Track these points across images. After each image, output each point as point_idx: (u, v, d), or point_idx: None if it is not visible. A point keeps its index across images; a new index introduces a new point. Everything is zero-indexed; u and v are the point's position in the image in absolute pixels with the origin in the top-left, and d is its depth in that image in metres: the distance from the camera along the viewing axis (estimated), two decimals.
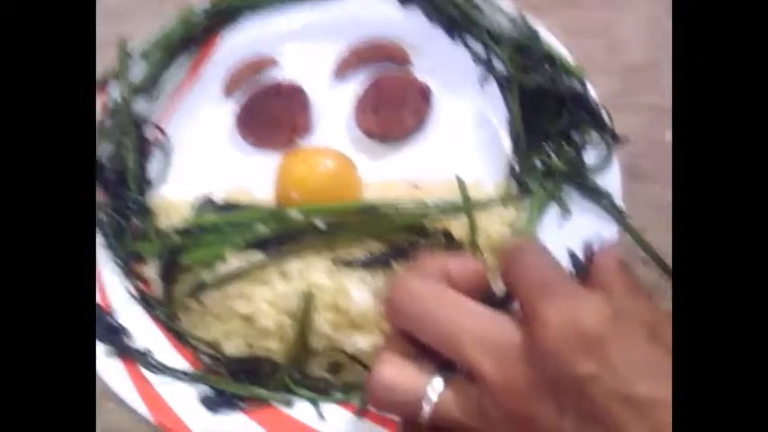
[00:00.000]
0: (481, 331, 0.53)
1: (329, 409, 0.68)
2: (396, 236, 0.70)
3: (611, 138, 0.73)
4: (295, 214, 0.70)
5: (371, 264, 0.69)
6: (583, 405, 0.48)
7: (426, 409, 0.52)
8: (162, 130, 0.82)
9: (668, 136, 0.77)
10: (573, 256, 0.68)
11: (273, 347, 0.69)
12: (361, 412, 0.67)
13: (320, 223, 0.69)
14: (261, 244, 0.70)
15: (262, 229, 0.70)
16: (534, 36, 0.79)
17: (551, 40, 0.79)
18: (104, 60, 0.84)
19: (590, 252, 0.65)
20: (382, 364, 0.54)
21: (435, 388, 0.53)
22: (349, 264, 0.69)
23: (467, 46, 0.81)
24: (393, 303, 0.56)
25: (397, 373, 0.54)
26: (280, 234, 0.70)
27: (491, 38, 0.80)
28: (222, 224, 0.72)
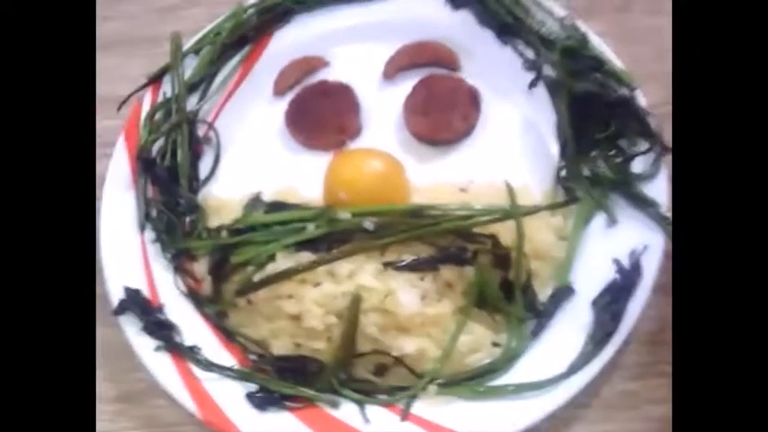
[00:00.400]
0: None
1: (374, 411, 0.68)
2: (443, 239, 0.70)
3: (660, 146, 0.72)
4: (344, 215, 0.70)
5: (419, 267, 0.70)
6: None
7: None
8: (213, 128, 0.83)
9: None
10: (618, 263, 0.69)
11: (320, 348, 0.70)
12: (406, 415, 0.68)
13: (369, 224, 0.70)
14: (310, 244, 0.71)
15: (311, 230, 0.71)
16: (584, 41, 0.79)
17: (601, 45, 0.79)
18: (157, 56, 0.85)
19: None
20: None
21: None
22: (397, 266, 0.69)
23: (516, 50, 0.82)
24: None
25: None
26: (329, 235, 0.71)
27: (541, 42, 0.80)
28: (272, 223, 0.73)
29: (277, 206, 0.75)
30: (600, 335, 0.67)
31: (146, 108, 0.83)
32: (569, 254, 0.72)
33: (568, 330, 0.69)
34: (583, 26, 0.80)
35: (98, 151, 0.80)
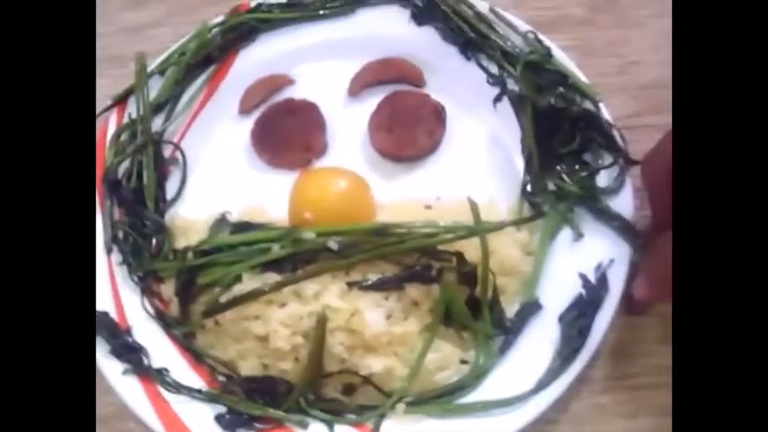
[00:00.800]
0: None
1: (343, 430, 0.68)
2: (408, 258, 0.69)
3: (624, 160, 0.73)
4: (309, 235, 0.70)
5: (384, 286, 0.69)
6: None
7: None
8: (179, 148, 0.83)
9: None
10: (584, 278, 0.69)
11: (288, 368, 0.70)
12: None
13: (333, 244, 0.69)
14: (276, 265, 0.70)
15: (276, 250, 0.70)
16: (547, 55, 0.79)
17: (565, 59, 0.79)
18: (122, 77, 0.85)
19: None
20: None
21: None
22: (362, 286, 0.69)
23: (481, 65, 0.82)
24: None
25: None
26: (294, 255, 0.70)
27: (505, 57, 0.81)
28: (238, 244, 0.72)
29: (243, 227, 0.75)
30: (567, 350, 0.67)
31: (111, 129, 0.83)
32: (536, 269, 0.72)
33: (536, 346, 0.69)
34: (546, 40, 0.80)
35: None
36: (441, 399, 0.68)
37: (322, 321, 0.67)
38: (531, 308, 0.70)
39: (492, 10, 0.83)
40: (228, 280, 0.71)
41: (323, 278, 0.70)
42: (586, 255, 0.71)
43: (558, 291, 0.70)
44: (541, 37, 0.80)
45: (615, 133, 0.74)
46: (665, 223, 0.56)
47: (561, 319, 0.69)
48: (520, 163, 0.78)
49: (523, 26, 0.81)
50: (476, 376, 0.69)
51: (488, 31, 0.82)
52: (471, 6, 0.83)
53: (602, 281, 0.69)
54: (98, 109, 0.84)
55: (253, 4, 0.88)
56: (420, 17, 0.85)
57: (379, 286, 0.69)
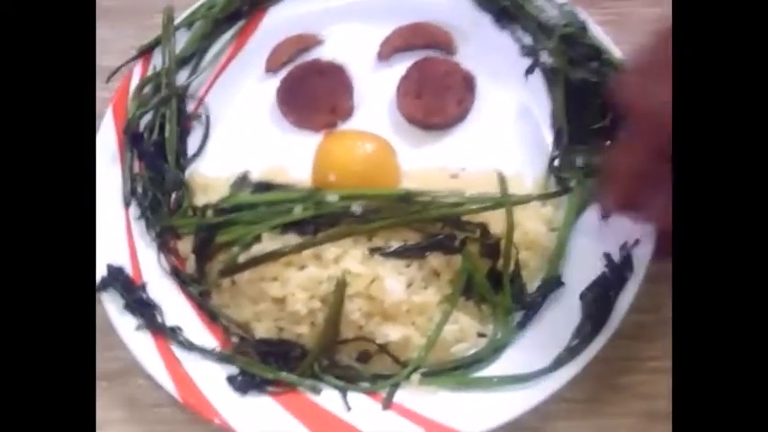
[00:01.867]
0: None
1: (356, 398, 0.68)
2: (432, 226, 0.69)
3: None
4: (331, 198, 0.70)
5: (406, 254, 0.69)
6: None
7: None
8: (203, 104, 0.82)
9: None
10: (608, 257, 0.68)
11: (304, 333, 0.69)
12: (388, 404, 0.67)
13: (357, 208, 0.69)
14: (297, 226, 0.70)
15: (298, 211, 0.70)
16: (583, 29, 0.78)
17: (600, 34, 0.78)
18: (147, 28, 0.84)
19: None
20: None
21: None
22: (384, 253, 0.69)
23: (514, 35, 0.81)
24: None
25: None
26: (316, 217, 0.70)
27: (539, 28, 0.79)
28: (258, 204, 0.72)
29: (264, 186, 0.74)
30: (587, 329, 0.67)
31: (135, 81, 0.82)
32: (559, 245, 0.71)
33: (556, 323, 0.68)
34: (582, 14, 0.78)
35: None
36: (456, 371, 0.68)
37: (341, 286, 0.67)
38: (552, 284, 0.70)
39: None
40: (248, 239, 0.70)
41: (344, 242, 0.69)
42: (611, 233, 0.70)
43: (581, 268, 0.70)
44: (577, 10, 0.79)
45: None
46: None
47: (582, 297, 0.68)
48: (549, 137, 0.77)
49: None
50: (493, 350, 0.68)
51: (522, 1, 0.80)
52: None
53: (627, 261, 0.69)
54: (121, 61, 0.83)
55: None
56: None
57: (401, 254, 0.69)
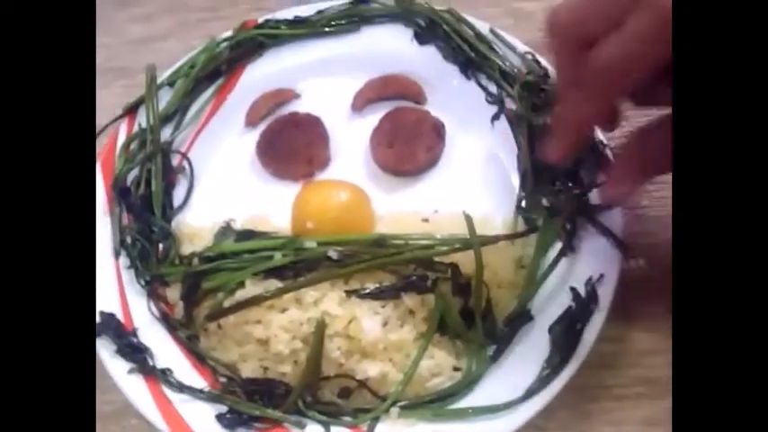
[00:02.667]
0: None
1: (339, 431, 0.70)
2: (405, 268, 0.72)
3: None
4: (310, 244, 0.73)
5: (382, 295, 0.72)
6: None
7: None
8: (187, 158, 0.86)
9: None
10: (575, 291, 0.71)
11: (287, 371, 0.72)
12: None
13: (333, 254, 0.72)
14: (278, 272, 0.73)
15: (278, 258, 0.73)
16: (545, 76, 0.82)
17: None
18: (131, 87, 0.88)
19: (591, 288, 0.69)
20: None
21: None
22: (360, 294, 0.72)
23: (480, 85, 0.85)
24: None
25: None
26: (295, 263, 0.73)
27: (503, 77, 0.83)
28: (241, 252, 0.75)
29: (246, 235, 0.77)
30: (556, 360, 0.69)
31: (122, 138, 0.85)
32: (528, 282, 0.74)
33: (526, 355, 0.71)
34: (544, 61, 0.82)
35: None
36: (433, 404, 0.71)
37: (321, 327, 0.70)
38: (522, 319, 0.73)
39: (492, 31, 0.85)
40: (232, 285, 0.73)
41: (323, 286, 0.72)
42: (577, 269, 0.73)
43: (549, 303, 0.73)
44: (539, 58, 0.83)
45: (608, 153, 0.76)
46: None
47: (551, 330, 0.71)
48: (515, 179, 0.80)
49: (522, 47, 0.84)
50: (468, 383, 0.71)
51: (488, 51, 0.84)
52: (472, 27, 0.86)
53: (592, 294, 0.71)
54: (108, 118, 0.87)
55: (261, 20, 0.91)
56: (422, 36, 0.88)
57: (377, 295, 0.72)
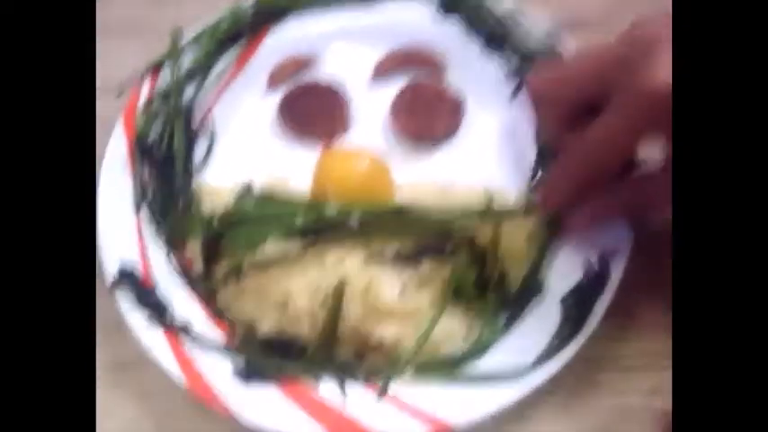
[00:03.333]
0: None
1: (354, 389, 0.72)
2: (424, 237, 0.74)
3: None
4: (331, 210, 0.75)
5: (400, 261, 0.74)
6: None
7: None
8: (208, 117, 0.87)
9: None
10: (587, 264, 0.73)
11: (304, 330, 0.74)
12: (383, 395, 0.72)
13: (354, 221, 0.74)
14: (299, 234, 0.75)
15: (300, 221, 0.75)
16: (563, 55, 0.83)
17: None
18: (152, 42, 0.89)
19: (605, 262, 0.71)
20: None
21: None
22: (380, 259, 0.74)
23: (501, 60, 0.86)
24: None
25: None
26: (317, 227, 0.75)
27: (525, 53, 0.85)
28: (264, 213, 0.77)
29: (268, 197, 0.79)
30: (566, 331, 0.72)
31: (144, 95, 0.86)
32: (540, 254, 0.76)
33: (537, 325, 0.73)
34: (565, 39, 0.84)
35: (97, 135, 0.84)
36: (446, 367, 0.73)
37: (339, 289, 0.72)
38: (534, 289, 0.75)
39: (515, 7, 0.87)
40: (252, 245, 0.75)
41: (342, 250, 0.74)
42: (590, 243, 0.75)
43: (562, 275, 0.75)
44: (561, 36, 0.84)
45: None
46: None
47: (563, 301, 0.73)
48: (531, 155, 0.82)
49: (544, 25, 0.85)
50: (479, 349, 0.73)
51: (511, 26, 0.86)
52: (496, 2, 0.87)
53: (604, 268, 0.74)
54: (130, 75, 0.88)
55: None
56: (445, 9, 0.89)
57: (395, 261, 0.74)
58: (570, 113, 0.70)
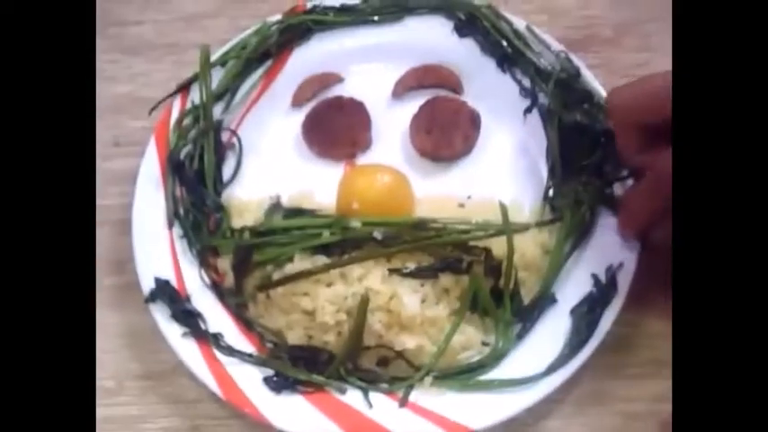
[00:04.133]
0: None
1: (376, 397, 0.76)
2: (443, 250, 0.77)
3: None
4: (355, 224, 0.78)
5: (421, 274, 0.77)
6: None
7: None
8: (236, 135, 0.91)
9: None
10: (596, 278, 0.77)
11: (330, 340, 0.77)
12: (404, 402, 0.75)
13: (378, 234, 0.77)
14: (325, 248, 0.78)
15: (326, 236, 0.78)
16: (576, 75, 0.87)
17: (591, 79, 0.87)
18: (179, 63, 0.96)
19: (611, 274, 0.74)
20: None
21: None
22: (402, 273, 0.77)
23: (515, 79, 0.90)
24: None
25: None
26: (342, 241, 0.78)
27: (537, 73, 0.88)
28: (291, 228, 0.80)
29: (295, 212, 0.82)
30: (577, 340, 0.75)
31: (175, 113, 0.90)
32: (552, 266, 0.80)
33: (549, 334, 0.77)
34: (576, 60, 0.87)
35: (129, 149, 0.90)
36: (463, 375, 0.76)
37: (364, 301, 0.74)
38: (546, 300, 0.78)
39: (528, 28, 0.90)
40: (281, 259, 0.78)
41: (367, 263, 0.77)
42: (599, 257, 0.79)
43: (572, 287, 0.78)
44: (572, 56, 0.87)
45: None
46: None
47: (573, 312, 0.77)
48: (544, 170, 0.85)
49: (556, 45, 0.88)
50: (495, 357, 0.76)
51: (524, 47, 0.89)
52: (509, 23, 0.91)
53: (612, 281, 0.77)
54: (159, 93, 0.92)
55: (309, 6, 0.95)
56: (462, 29, 0.92)
57: (416, 274, 0.77)
58: (648, 134, 0.72)
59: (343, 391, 0.76)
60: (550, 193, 0.84)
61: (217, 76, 0.92)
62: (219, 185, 0.88)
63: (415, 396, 0.75)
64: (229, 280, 0.81)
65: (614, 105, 0.74)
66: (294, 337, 0.78)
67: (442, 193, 0.86)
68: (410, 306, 0.76)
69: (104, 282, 0.86)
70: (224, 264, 0.82)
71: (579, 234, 0.81)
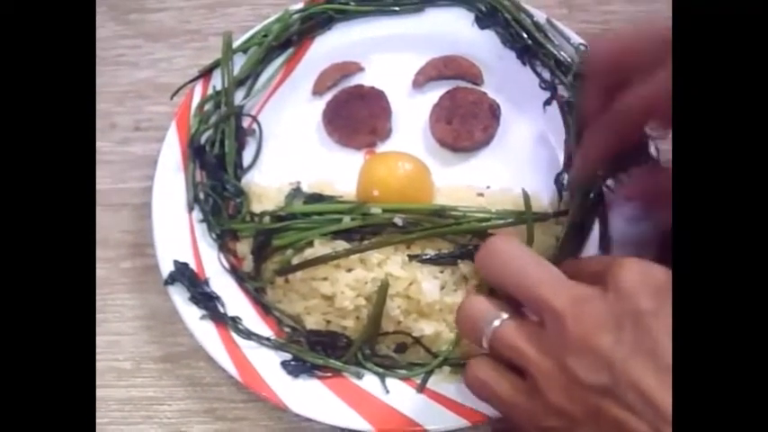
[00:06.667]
0: (557, 279, 0.63)
1: (394, 383, 0.77)
2: (462, 238, 0.78)
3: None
4: (376, 210, 0.79)
5: (440, 261, 0.78)
6: (641, 338, 0.55)
7: (487, 332, 0.63)
8: (257, 121, 0.91)
9: None
10: None
11: (349, 325, 0.78)
12: (421, 389, 0.76)
13: (398, 220, 0.78)
14: (345, 234, 0.79)
15: (347, 221, 0.79)
16: None
17: None
18: (201, 49, 0.97)
19: None
20: (467, 299, 0.67)
21: (501, 317, 0.64)
22: (421, 259, 0.78)
23: (534, 71, 0.91)
24: (482, 262, 0.67)
25: (476, 305, 0.66)
26: (362, 227, 0.79)
27: (557, 66, 0.89)
28: (311, 213, 0.81)
29: (316, 198, 0.83)
30: None
31: (196, 98, 0.91)
32: (565, 255, 0.79)
33: None
34: None
35: (150, 134, 0.91)
36: None
37: (384, 287, 0.75)
38: None
39: (548, 21, 0.91)
40: (301, 244, 0.79)
41: (387, 249, 0.78)
42: (611, 248, 0.80)
43: None
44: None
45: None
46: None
47: None
48: (562, 161, 0.86)
49: (576, 38, 0.89)
50: None
51: (544, 40, 0.90)
52: (530, 16, 0.91)
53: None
54: (180, 78, 0.92)
55: None
56: (483, 21, 0.93)
57: (436, 261, 0.78)
58: (615, 85, 0.71)
59: (360, 377, 0.77)
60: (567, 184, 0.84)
61: (238, 63, 0.92)
62: (239, 171, 0.89)
63: (432, 382, 0.76)
64: (248, 264, 0.82)
65: (592, 63, 0.75)
66: (312, 322, 0.79)
67: (461, 183, 0.86)
68: (429, 292, 0.77)
69: (124, 264, 0.87)
70: (243, 248, 0.83)
71: (588, 224, 0.82)
